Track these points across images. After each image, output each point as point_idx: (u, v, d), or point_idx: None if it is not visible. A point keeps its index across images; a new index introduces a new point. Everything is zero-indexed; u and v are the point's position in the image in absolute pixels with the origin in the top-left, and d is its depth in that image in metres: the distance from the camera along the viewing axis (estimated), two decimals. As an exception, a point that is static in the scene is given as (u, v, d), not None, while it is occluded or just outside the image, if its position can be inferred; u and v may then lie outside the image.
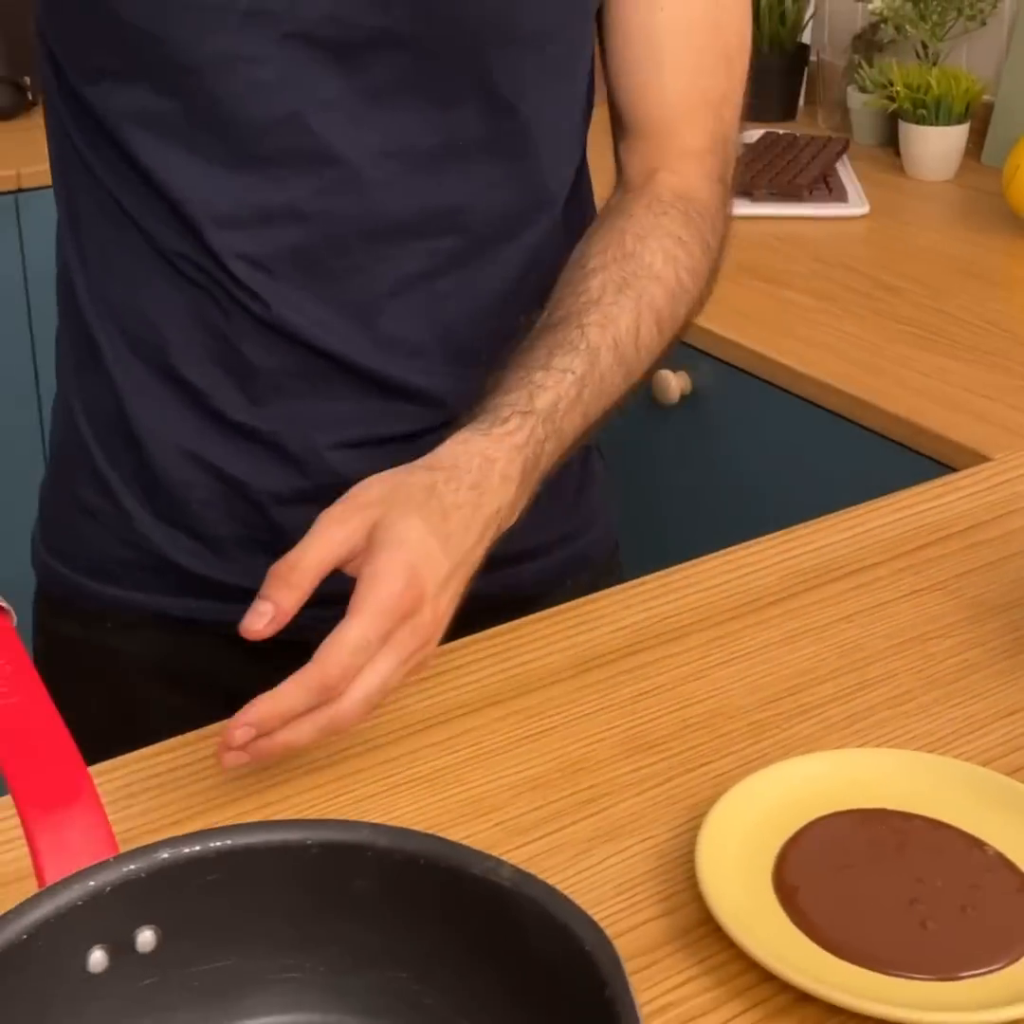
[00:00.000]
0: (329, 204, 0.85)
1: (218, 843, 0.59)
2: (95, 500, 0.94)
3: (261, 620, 0.69)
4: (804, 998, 0.63)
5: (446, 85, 0.85)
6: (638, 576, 0.95)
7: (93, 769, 0.64)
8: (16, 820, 0.68)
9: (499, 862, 0.59)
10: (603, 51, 0.91)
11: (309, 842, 0.60)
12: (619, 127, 0.93)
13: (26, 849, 0.59)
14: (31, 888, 0.56)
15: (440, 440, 0.78)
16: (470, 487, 0.74)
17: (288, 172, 0.84)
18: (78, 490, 0.95)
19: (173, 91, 0.83)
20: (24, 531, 1.02)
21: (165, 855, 0.58)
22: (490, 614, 0.94)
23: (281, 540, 0.91)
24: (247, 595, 0.84)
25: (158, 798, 0.75)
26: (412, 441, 0.93)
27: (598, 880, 0.69)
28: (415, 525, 0.71)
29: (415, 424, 0.91)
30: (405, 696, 0.83)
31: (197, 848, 0.59)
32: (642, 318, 0.84)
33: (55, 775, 0.62)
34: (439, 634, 0.73)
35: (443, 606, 0.72)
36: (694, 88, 0.90)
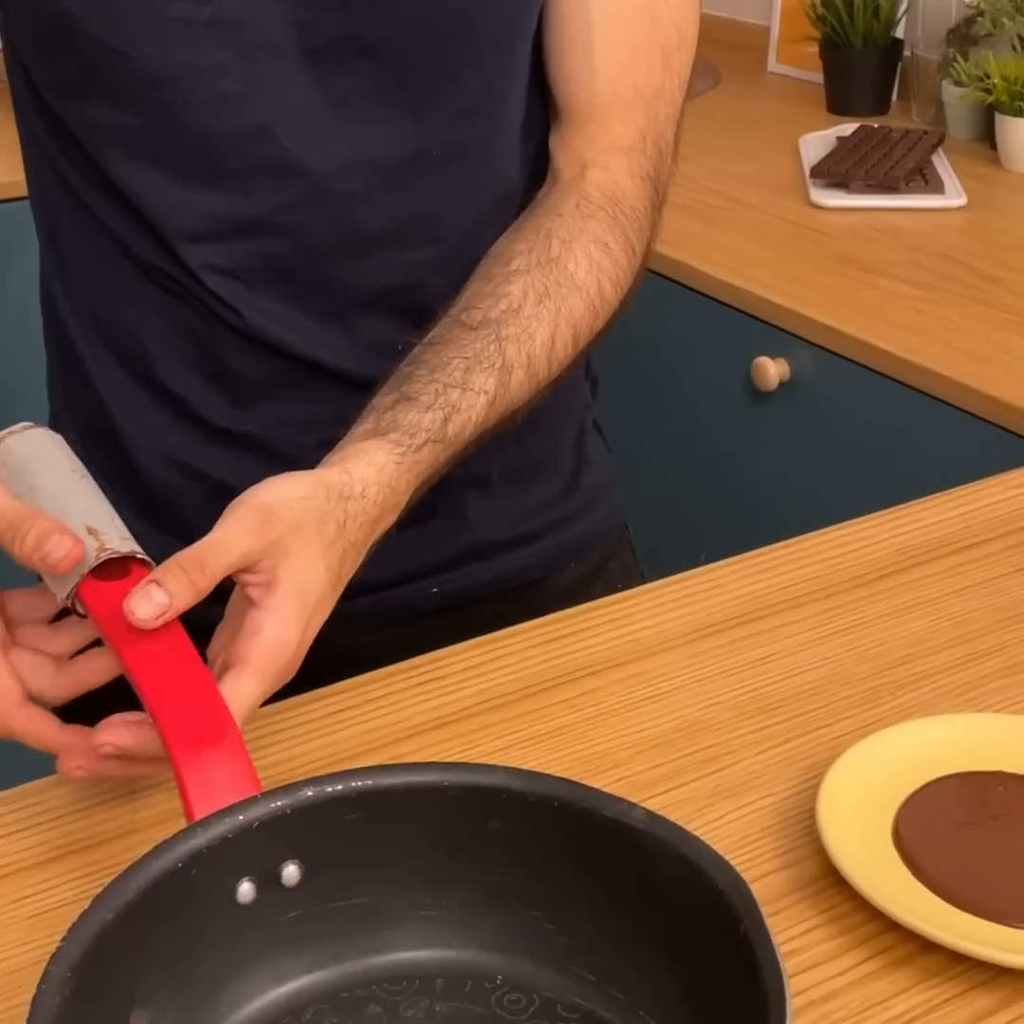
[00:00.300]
0: (300, 217, 0.84)
1: (359, 783, 0.61)
2: None
3: (154, 609, 0.66)
4: (927, 948, 0.64)
5: (415, 94, 0.83)
6: (724, 558, 0.96)
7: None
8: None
9: (631, 805, 0.60)
10: (540, 37, 0.89)
11: (446, 784, 0.62)
12: (554, 116, 0.91)
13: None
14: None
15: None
16: (371, 522, 0.75)
17: (257, 185, 0.83)
18: None
19: (138, 105, 0.81)
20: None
21: (309, 793, 0.60)
22: (488, 601, 0.96)
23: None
24: (216, 596, 0.81)
25: (290, 749, 0.77)
26: None
27: (720, 834, 0.71)
28: (320, 574, 0.71)
29: None
30: (524, 658, 0.85)
31: (339, 787, 0.61)
32: (558, 332, 0.84)
33: (201, 718, 0.65)
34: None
35: (308, 646, 0.72)
36: (625, 79, 0.88)
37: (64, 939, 0.53)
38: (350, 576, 0.75)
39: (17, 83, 0.88)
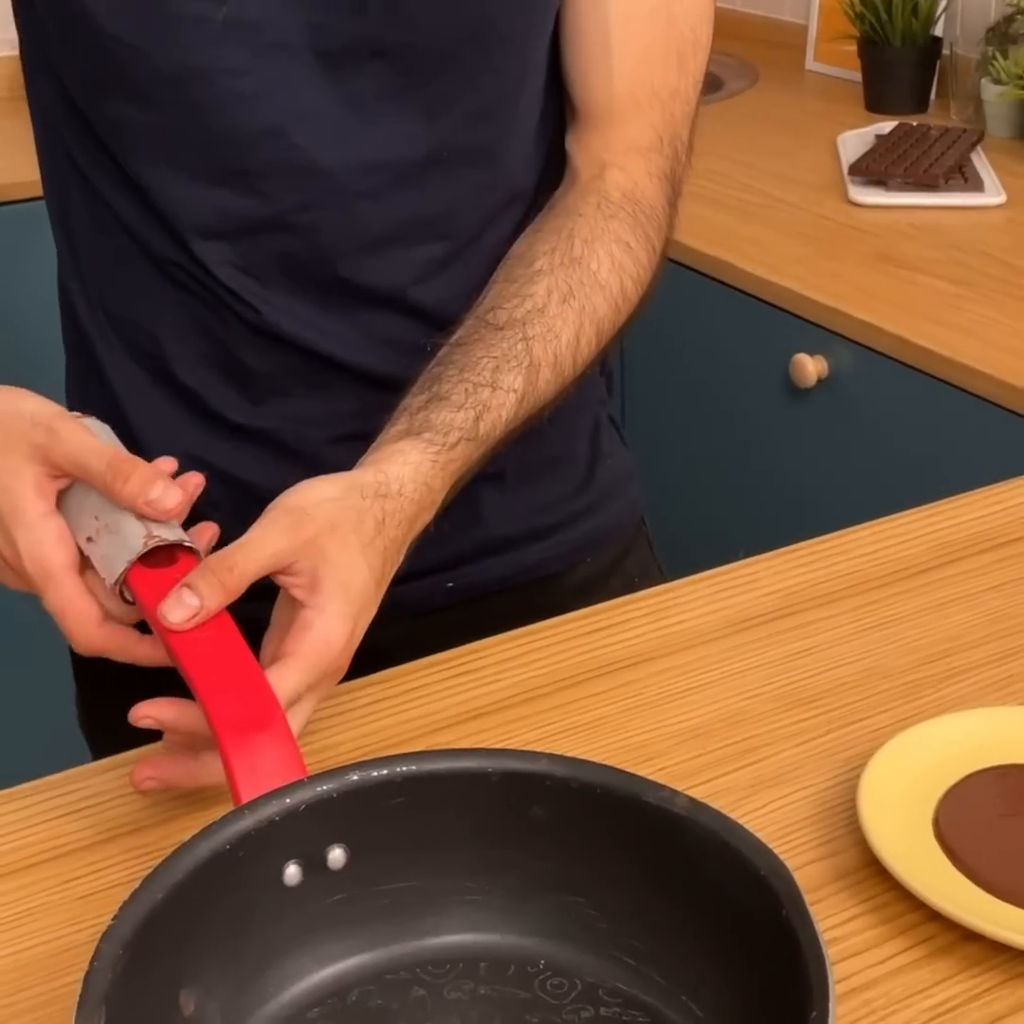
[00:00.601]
0: (312, 216, 0.85)
1: (404, 768, 0.62)
2: None
3: (185, 612, 0.67)
4: (967, 937, 0.64)
5: (429, 96, 0.84)
6: (763, 553, 0.96)
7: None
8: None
9: (674, 792, 0.61)
10: (557, 38, 0.90)
11: (490, 770, 0.62)
12: (571, 116, 0.92)
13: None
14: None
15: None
16: (409, 520, 0.76)
17: (271, 184, 0.84)
18: None
19: (156, 103, 0.82)
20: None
21: (355, 777, 0.61)
22: (504, 596, 0.96)
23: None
24: (266, 592, 0.82)
25: (329, 738, 0.78)
26: None
27: (760, 824, 0.71)
28: (361, 571, 0.71)
29: None
30: (559, 651, 0.86)
31: (384, 772, 0.62)
32: (583, 330, 0.85)
33: (248, 703, 0.66)
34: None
35: (356, 645, 0.72)
36: (641, 80, 0.89)
37: (115, 917, 0.54)
38: (392, 575, 0.75)
39: (37, 75, 0.88)
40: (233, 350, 0.89)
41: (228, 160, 0.83)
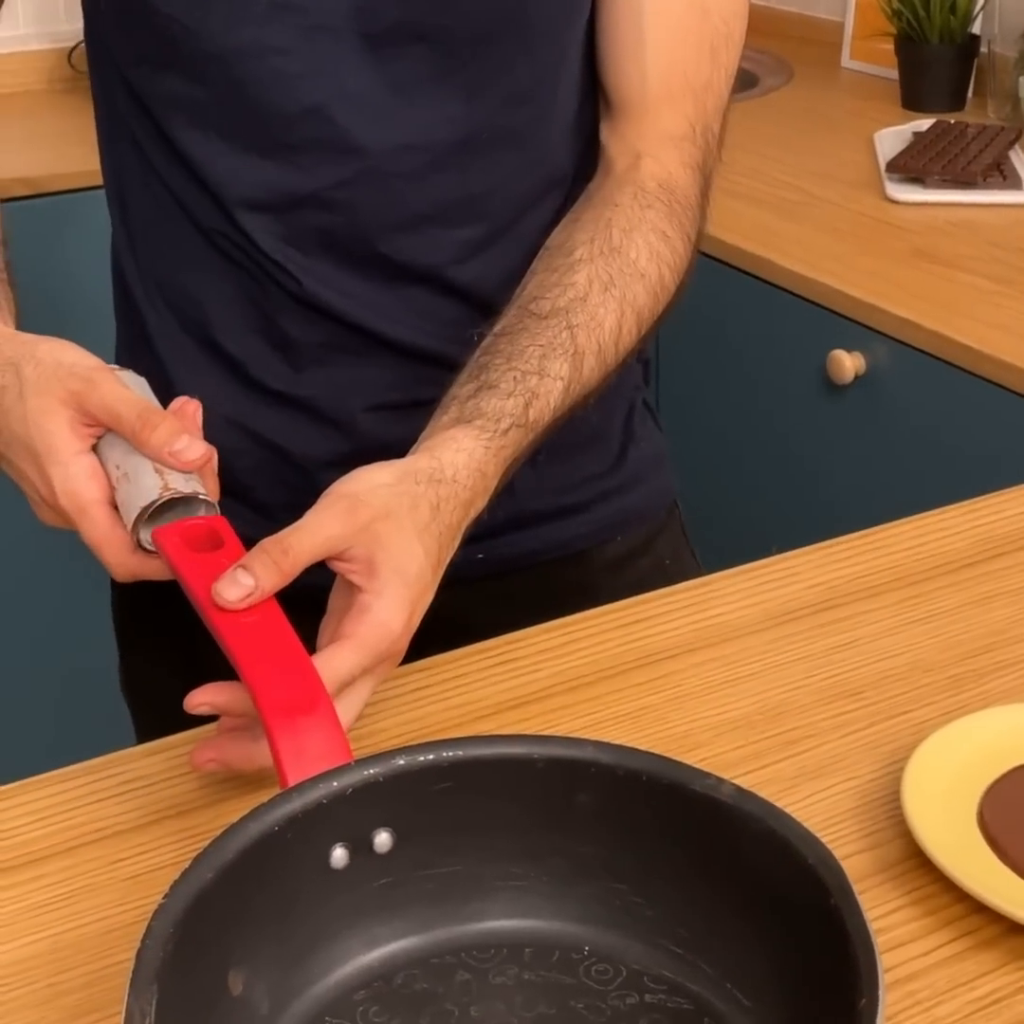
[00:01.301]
0: (351, 194, 0.87)
1: (450, 753, 0.62)
2: None
3: (240, 591, 0.68)
4: (1012, 930, 0.64)
5: (468, 79, 0.86)
6: (793, 548, 0.96)
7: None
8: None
9: (720, 780, 0.61)
10: (592, 28, 0.91)
11: (535, 756, 0.62)
12: (605, 107, 0.93)
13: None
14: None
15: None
16: (464, 505, 0.77)
17: (313, 161, 0.86)
18: None
19: (203, 79, 0.85)
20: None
21: (402, 761, 0.61)
22: (534, 570, 0.98)
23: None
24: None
25: (371, 725, 0.78)
26: None
27: (803, 815, 0.70)
28: (418, 556, 0.72)
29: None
30: (599, 641, 0.86)
31: (431, 756, 0.62)
32: (625, 319, 0.86)
33: (295, 687, 0.66)
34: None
35: (414, 630, 0.73)
36: (675, 71, 0.90)
37: (166, 896, 0.55)
38: (447, 561, 0.76)
39: (98, 52, 0.91)
40: (276, 320, 0.91)
41: (272, 136, 0.86)
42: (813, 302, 1.55)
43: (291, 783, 0.61)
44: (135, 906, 0.66)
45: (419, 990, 0.60)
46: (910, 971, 0.63)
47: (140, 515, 0.71)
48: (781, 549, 0.96)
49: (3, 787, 0.74)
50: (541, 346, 0.82)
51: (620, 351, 0.87)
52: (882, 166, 1.80)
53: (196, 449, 0.72)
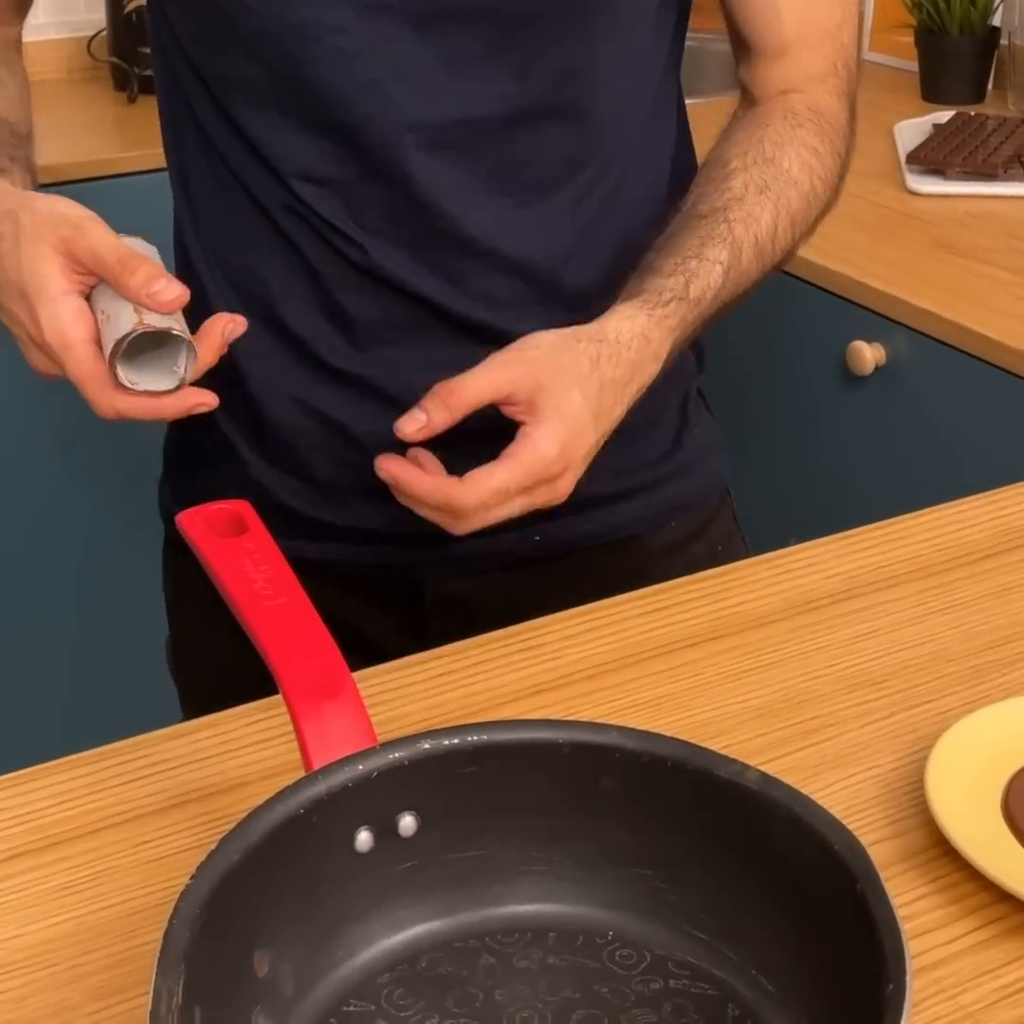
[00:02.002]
0: (407, 169, 0.88)
1: (475, 737, 0.62)
2: (212, 449, 0.98)
3: (414, 424, 0.79)
4: (1037, 919, 0.64)
5: (520, 55, 0.87)
6: (811, 539, 0.96)
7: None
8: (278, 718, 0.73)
9: (745, 766, 0.61)
10: None
11: (560, 741, 0.62)
12: (741, 50, 0.98)
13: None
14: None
15: None
16: (627, 364, 0.83)
17: (369, 137, 0.87)
18: (197, 440, 1.00)
19: (262, 58, 0.87)
20: (154, 482, 1.07)
21: (427, 745, 0.61)
22: (590, 553, 0.98)
23: (384, 483, 0.92)
24: (359, 536, 0.93)
25: (393, 710, 0.78)
26: None
27: (826, 803, 0.69)
28: (575, 399, 0.79)
29: None
30: (621, 629, 0.86)
31: (456, 740, 0.62)
32: (780, 218, 0.91)
33: (319, 671, 0.66)
34: (568, 493, 0.81)
35: (580, 472, 0.81)
36: (809, 20, 0.95)
37: (193, 877, 0.55)
38: (613, 418, 0.83)
39: (160, 34, 0.93)
40: (337, 297, 0.92)
41: (328, 112, 0.87)
42: (833, 293, 1.55)
43: (316, 766, 0.61)
44: (159, 888, 0.67)
45: (443, 973, 0.60)
46: (935, 959, 0.63)
47: (115, 348, 0.75)
48: (800, 539, 0.96)
49: (26, 770, 0.75)
50: (700, 237, 0.88)
51: (777, 250, 0.91)
52: (902, 158, 1.79)
53: (172, 290, 0.75)
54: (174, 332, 0.76)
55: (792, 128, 0.94)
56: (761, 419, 1.71)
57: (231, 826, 0.57)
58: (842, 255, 1.57)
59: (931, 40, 2.07)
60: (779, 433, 1.70)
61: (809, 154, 0.93)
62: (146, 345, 0.76)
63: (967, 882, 0.66)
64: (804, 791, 0.70)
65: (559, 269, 0.92)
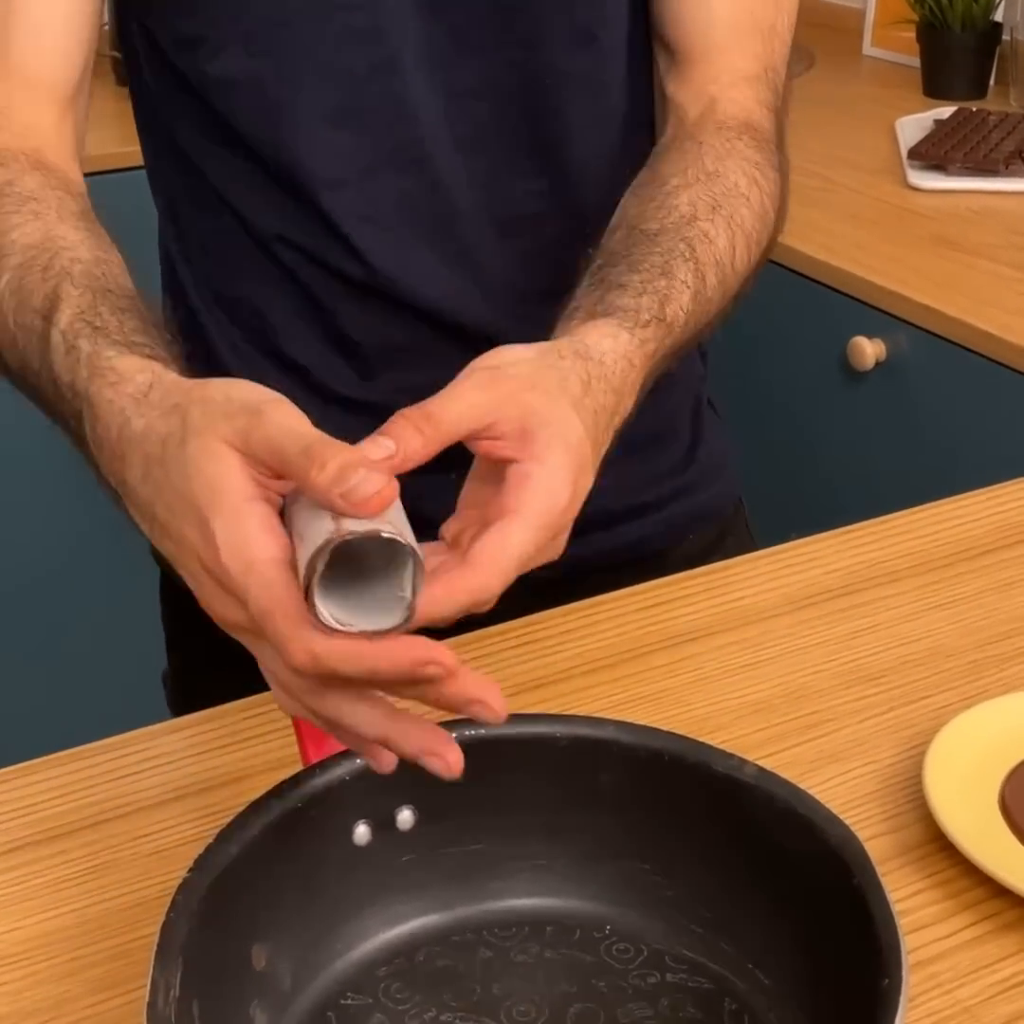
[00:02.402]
0: (426, 151, 0.86)
1: (472, 731, 0.62)
2: None
3: (381, 452, 0.56)
4: (1034, 914, 0.64)
5: (528, 22, 0.85)
6: (811, 534, 0.96)
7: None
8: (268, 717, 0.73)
9: (742, 761, 0.61)
10: None
11: (558, 735, 0.63)
12: (668, 59, 0.90)
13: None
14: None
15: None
16: (613, 391, 0.67)
17: (385, 121, 0.85)
18: None
19: (269, 47, 0.83)
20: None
21: (425, 739, 0.61)
22: (610, 572, 0.93)
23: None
24: None
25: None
26: None
27: (824, 798, 0.69)
28: (575, 426, 0.62)
29: None
30: (619, 624, 0.86)
31: (453, 735, 0.62)
32: (736, 239, 0.79)
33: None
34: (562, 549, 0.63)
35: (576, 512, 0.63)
36: (741, 11, 0.88)
37: (190, 871, 0.55)
38: (603, 452, 0.66)
39: (134, 60, 0.89)
40: (339, 324, 0.89)
41: (342, 99, 0.84)
42: (834, 289, 1.54)
43: (314, 760, 0.62)
44: (159, 881, 0.67)
45: (441, 967, 0.61)
46: (932, 953, 0.63)
47: (308, 571, 0.52)
48: (800, 534, 0.96)
49: (26, 763, 0.75)
50: (660, 254, 0.74)
51: (736, 274, 0.79)
52: (903, 153, 1.79)
53: (371, 483, 0.54)
54: (385, 534, 0.53)
55: (729, 141, 0.83)
56: (761, 414, 1.71)
57: (230, 819, 0.57)
58: (843, 250, 1.57)
59: (933, 35, 2.06)
60: (779, 428, 1.70)
61: (752, 167, 0.83)
62: (357, 567, 0.53)
63: (964, 877, 0.66)
64: (802, 786, 0.70)
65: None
